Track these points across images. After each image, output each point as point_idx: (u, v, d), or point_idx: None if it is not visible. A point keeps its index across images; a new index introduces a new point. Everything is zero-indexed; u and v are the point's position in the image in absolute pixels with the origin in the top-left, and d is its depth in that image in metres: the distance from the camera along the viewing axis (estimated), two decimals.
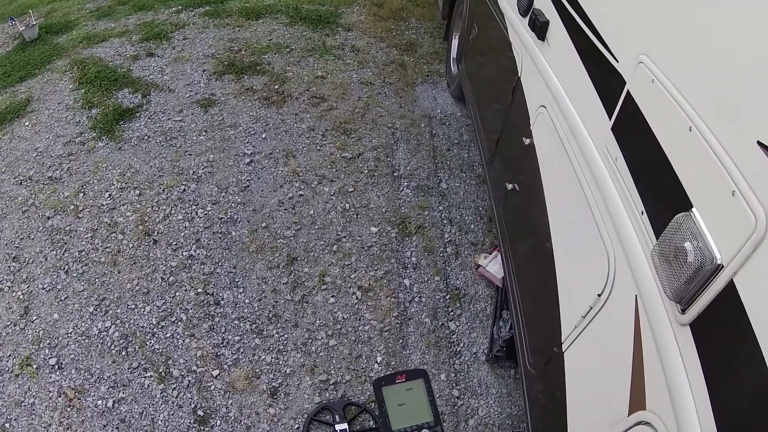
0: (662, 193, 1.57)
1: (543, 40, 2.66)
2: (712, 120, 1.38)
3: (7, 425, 2.97)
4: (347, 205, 4.06)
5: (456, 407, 3.08)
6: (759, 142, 1.20)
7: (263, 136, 4.62)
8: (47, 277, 3.62)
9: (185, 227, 3.88)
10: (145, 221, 3.91)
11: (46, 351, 3.26)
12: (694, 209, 1.39)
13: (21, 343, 3.31)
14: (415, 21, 6.37)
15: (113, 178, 4.24)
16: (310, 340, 3.32)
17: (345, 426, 2.90)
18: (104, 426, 2.96)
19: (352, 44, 5.86)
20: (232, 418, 3.00)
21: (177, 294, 3.51)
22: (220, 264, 3.67)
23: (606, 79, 1.99)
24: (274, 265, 3.68)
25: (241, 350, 3.26)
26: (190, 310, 3.43)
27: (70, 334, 3.33)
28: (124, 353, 3.24)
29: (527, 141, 2.77)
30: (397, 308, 3.48)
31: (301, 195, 4.12)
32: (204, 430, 2.95)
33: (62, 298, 3.50)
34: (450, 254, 3.81)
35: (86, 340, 3.30)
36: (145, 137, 4.61)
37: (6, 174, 4.37)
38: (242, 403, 3.06)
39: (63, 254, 3.74)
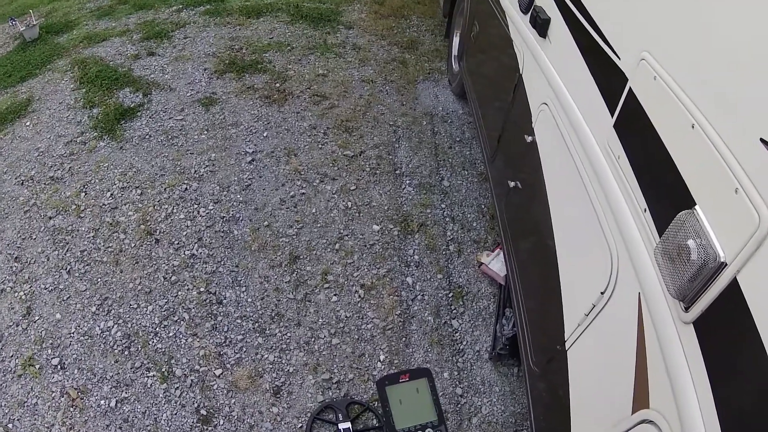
0: (665, 191, 1.57)
1: (544, 38, 2.66)
2: (714, 117, 1.37)
3: (10, 426, 2.97)
4: (349, 204, 4.05)
5: (459, 405, 3.08)
6: (762, 140, 1.19)
7: (265, 134, 4.61)
8: (49, 277, 3.62)
9: (187, 226, 3.87)
10: (147, 220, 3.91)
11: (49, 351, 3.27)
12: (697, 207, 1.38)
13: (23, 343, 3.31)
14: (416, 18, 6.37)
15: (115, 178, 4.24)
16: (313, 339, 3.31)
17: (348, 425, 2.89)
18: (107, 426, 2.96)
19: (353, 42, 5.85)
20: (235, 417, 3.00)
21: (179, 293, 3.51)
22: (222, 263, 3.67)
23: (608, 77, 1.98)
24: (277, 264, 3.67)
25: (244, 349, 3.26)
26: (193, 309, 3.43)
27: (72, 334, 3.33)
28: (126, 353, 3.24)
29: (529, 138, 2.76)
30: (400, 306, 3.48)
31: (303, 193, 4.12)
32: (207, 429, 2.95)
33: (64, 298, 3.50)
34: (452, 252, 3.80)
35: (89, 340, 3.30)
36: (147, 136, 4.61)
37: (7, 174, 4.37)
38: (245, 402, 3.05)
39: (65, 254, 3.74)
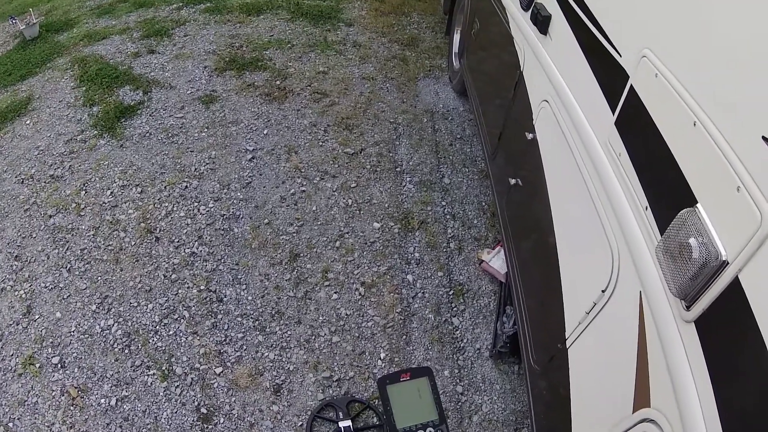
0: (666, 189, 1.56)
1: (545, 35, 2.65)
2: (716, 115, 1.36)
3: (10, 425, 2.97)
4: (350, 201, 4.05)
5: (459, 403, 3.07)
6: (764, 137, 1.19)
7: (265, 132, 4.61)
8: (49, 275, 3.61)
9: (187, 224, 3.87)
10: (147, 218, 3.91)
11: (49, 350, 3.26)
12: (698, 205, 1.37)
13: (24, 342, 3.31)
14: (416, 16, 6.36)
15: (115, 176, 4.23)
16: (314, 337, 3.31)
17: (349, 423, 2.89)
18: (107, 424, 2.96)
19: (353, 39, 5.84)
20: (236, 415, 3.00)
21: (179, 291, 3.50)
22: (222, 261, 3.67)
23: (609, 74, 1.98)
24: (277, 262, 3.67)
25: (244, 347, 3.26)
26: (193, 308, 3.42)
27: (72, 333, 3.32)
28: (126, 351, 3.24)
29: (530, 136, 2.75)
30: (401, 304, 3.47)
31: (304, 191, 4.11)
32: (207, 427, 2.95)
33: (64, 297, 3.49)
34: (453, 250, 3.79)
35: (89, 339, 3.30)
36: (147, 134, 4.60)
37: (7, 173, 4.37)
38: (245, 400, 3.05)
39: (65, 252, 3.73)
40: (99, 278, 3.58)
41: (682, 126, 1.47)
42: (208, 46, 5.66)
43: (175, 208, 3.97)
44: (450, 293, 3.55)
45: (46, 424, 2.97)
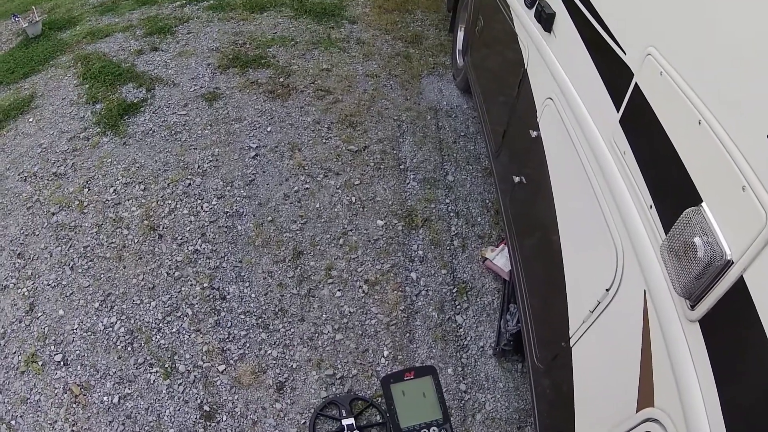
0: (671, 188, 1.55)
1: (549, 32, 2.64)
2: (721, 113, 1.35)
3: (13, 422, 2.97)
4: (353, 198, 4.04)
5: (463, 401, 3.07)
6: None
7: (268, 129, 4.60)
8: (52, 273, 3.62)
9: (190, 222, 3.87)
10: (150, 216, 3.91)
11: (52, 347, 3.27)
12: (703, 204, 1.36)
13: (26, 339, 3.31)
14: (420, 13, 6.34)
15: (118, 173, 4.23)
16: (317, 335, 3.31)
17: (352, 421, 2.89)
18: (110, 422, 2.96)
19: (357, 37, 5.84)
20: (239, 413, 3.00)
21: (182, 289, 3.51)
22: (225, 258, 3.67)
23: (613, 72, 1.96)
24: (280, 259, 3.67)
25: (248, 345, 3.26)
26: (196, 305, 3.43)
27: (75, 330, 3.33)
28: (129, 349, 3.24)
29: (534, 133, 2.74)
30: (404, 302, 3.47)
31: (307, 188, 4.11)
32: (210, 425, 2.95)
33: (67, 294, 3.50)
34: (457, 247, 3.79)
35: (92, 336, 3.30)
36: (150, 132, 4.60)
37: (10, 170, 4.37)
38: (248, 398, 3.05)
39: (68, 250, 3.74)
40: (102, 276, 3.58)
41: (687, 124, 1.46)
42: (211, 43, 5.66)
43: (178, 206, 3.97)
44: (453, 291, 3.54)
45: (48, 421, 2.97)
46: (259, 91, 5.00)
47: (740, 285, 1.23)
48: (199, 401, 3.03)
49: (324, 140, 4.52)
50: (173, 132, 4.58)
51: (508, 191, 3.22)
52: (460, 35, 5.03)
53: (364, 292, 3.51)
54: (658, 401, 1.50)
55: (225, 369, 3.16)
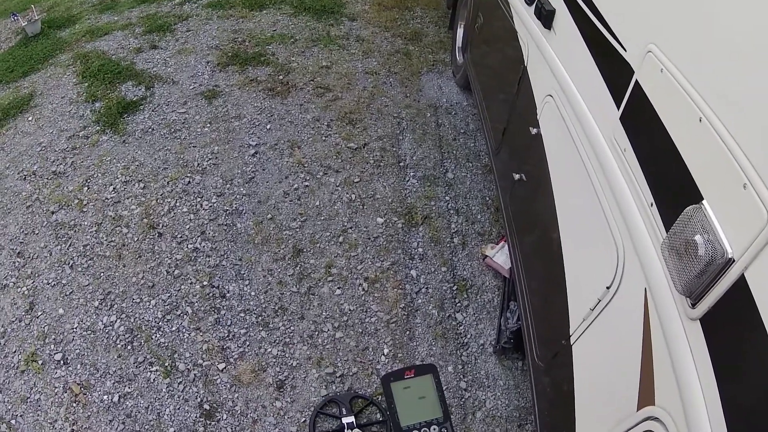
0: (672, 185, 1.55)
1: (549, 29, 2.63)
2: (722, 111, 1.35)
3: (13, 422, 2.97)
4: (353, 196, 4.04)
5: (463, 399, 3.07)
6: None
7: (268, 127, 4.60)
8: (52, 272, 3.61)
9: (190, 220, 3.86)
10: (150, 214, 3.90)
11: (52, 346, 3.26)
12: (704, 202, 1.36)
13: (26, 338, 3.31)
14: (419, 10, 6.33)
15: (117, 172, 4.23)
16: (317, 333, 3.31)
17: (352, 419, 2.88)
18: (110, 421, 2.96)
19: (356, 34, 5.83)
20: (239, 411, 2.99)
21: (182, 287, 3.50)
22: (225, 256, 3.66)
23: (614, 69, 1.96)
24: (280, 257, 3.66)
25: (247, 343, 3.26)
26: (196, 303, 3.42)
27: (75, 329, 3.33)
28: (129, 347, 3.24)
29: (534, 130, 2.74)
30: (404, 299, 3.46)
31: (307, 186, 4.10)
32: (210, 424, 2.95)
33: (67, 293, 3.50)
34: (457, 245, 3.78)
35: (91, 335, 3.30)
36: (149, 130, 4.59)
37: (10, 169, 4.37)
38: (248, 396, 3.05)
39: (67, 249, 3.73)
40: (102, 274, 3.58)
41: (687, 122, 1.46)
42: (210, 41, 5.65)
43: (177, 204, 3.96)
44: (454, 289, 3.54)
45: (48, 420, 2.97)
46: (259, 89, 4.99)
47: (741, 283, 1.23)
48: (199, 400, 3.03)
49: (324, 138, 4.51)
50: (173, 130, 4.57)
51: (508, 188, 3.21)
52: (460, 32, 5.02)
53: (364, 289, 3.51)
54: (658, 399, 1.50)
55: (225, 367, 3.16)
